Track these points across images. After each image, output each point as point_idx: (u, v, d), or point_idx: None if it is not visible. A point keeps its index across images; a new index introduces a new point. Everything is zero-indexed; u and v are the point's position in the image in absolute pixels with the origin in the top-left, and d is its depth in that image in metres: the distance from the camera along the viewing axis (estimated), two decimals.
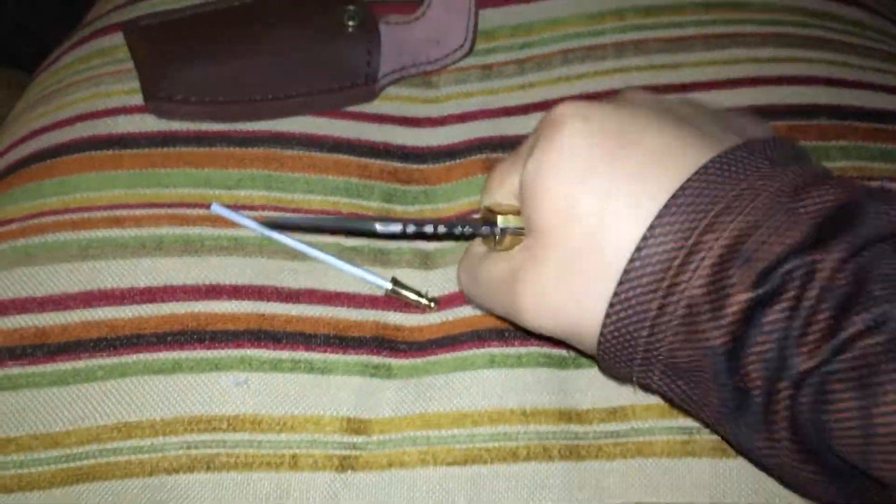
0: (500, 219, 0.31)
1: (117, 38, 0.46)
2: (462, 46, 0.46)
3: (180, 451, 0.34)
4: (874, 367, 0.22)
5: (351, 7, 0.44)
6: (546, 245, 0.29)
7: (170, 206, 0.39)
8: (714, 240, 0.25)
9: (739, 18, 0.45)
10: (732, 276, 0.24)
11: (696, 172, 0.26)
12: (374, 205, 0.41)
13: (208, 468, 0.34)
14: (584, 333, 0.29)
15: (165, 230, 0.39)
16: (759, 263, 0.24)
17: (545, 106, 0.43)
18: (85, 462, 0.34)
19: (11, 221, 0.39)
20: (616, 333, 0.27)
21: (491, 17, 0.47)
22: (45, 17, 0.98)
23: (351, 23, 0.43)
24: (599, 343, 0.28)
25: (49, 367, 0.35)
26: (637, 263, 0.26)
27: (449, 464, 0.34)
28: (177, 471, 0.34)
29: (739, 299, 0.24)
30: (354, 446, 0.35)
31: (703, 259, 0.25)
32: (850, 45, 0.44)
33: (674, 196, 0.26)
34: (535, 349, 0.36)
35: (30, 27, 0.99)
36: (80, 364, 0.36)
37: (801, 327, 0.23)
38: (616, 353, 0.28)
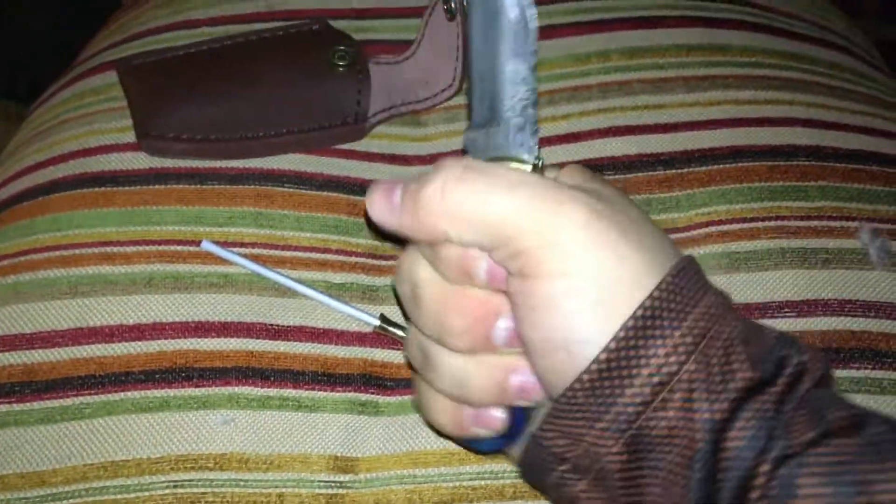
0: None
1: (111, 77, 0.47)
2: (451, 86, 0.47)
3: (167, 491, 0.34)
4: (849, 465, 0.23)
5: (341, 47, 0.44)
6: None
7: (160, 242, 0.40)
8: (724, 326, 0.26)
9: (720, 61, 0.46)
10: (738, 354, 0.25)
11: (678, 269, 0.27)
12: (363, 242, 0.41)
13: None
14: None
15: (156, 267, 0.39)
16: (756, 348, 0.26)
17: None
18: (71, 501, 0.34)
19: (3, 258, 0.40)
20: (616, 357, 0.25)
21: None
22: (40, 49, 0.99)
23: (341, 63, 0.44)
24: (596, 360, 0.25)
25: (37, 405, 0.35)
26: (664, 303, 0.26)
27: (435, 503, 0.34)
28: None
29: (745, 376, 0.25)
30: (341, 485, 0.35)
31: (719, 334, 0.26)
32: (828, 88, 0.46)
33: (682, 269, 0.27)
34: None
35: (26, 60, 0.99)
36: (68, 402, 0.35)
37: (792, 413, 0.24)
38: (597, 388, 0.25)
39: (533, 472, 0.30)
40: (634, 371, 0.25)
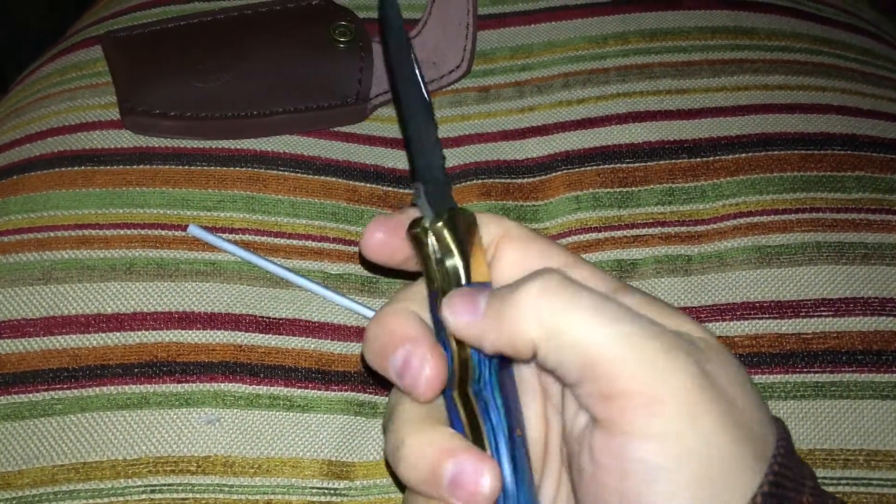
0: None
1: (96, 52, 0.44)
2: (459, 67, 0.44)
3: (143, 496, 0.31)
4: None
5: (343, 23, 0.42)
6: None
7: (143, 226, 0.37)
8: None
9: (746, 44, 0.44)
10: None
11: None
12: (363, 230, 0.38)
13: None
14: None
15: (137, 252, 0.36)
16: None
17: (544, 130, 0.41)
18: None
19: None
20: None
21: (489, 39, 0.45)
22: (29, 38, 0.96)
23: (342, 39, 0.41)
24: None
25: (3, 400, 0.33)
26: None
27: None
28: None
29: None
30: (336, 492, 0.32)
31: None
32: (862, 74, 0.43)
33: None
34: None
35: (13, 49, 0.97)
36: (38, 397, 0.33)
37: None
38: None
39: None
40: None
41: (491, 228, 0.27)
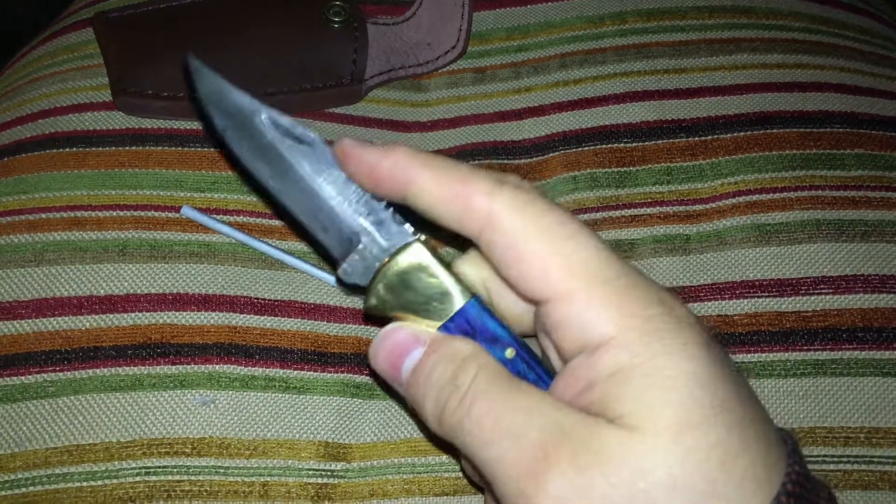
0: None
1: (87, 34, 0.43)
2: (454, 48, 0.43)
3: (138, 478, 0.31)
4: None
5: (337, 3, 0.41)
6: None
7: (136, 208, 0.36)
8: None
9: (744, 23, 0.43)
10: None
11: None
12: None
13: (169, 497, 0.30)
14: None
15: (130, 234, 0.36)
16: None
17: (541, 111, 0.41)
18: (31, 489, 0.31)
19: None
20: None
21: (485, 20, 0.45)
22: (21, 37, 0.95)
23: (337, 19, 0.41)
24: None
25: None
26: None
27: (437, 494, 0.31)
28: (133, 500, 0.30)
29: None
30: (332, 474, 0.32)
31: None
32: (861, 53, 0.43)
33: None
34: None
35: (7, 48, 0.96)
36: (30, 379, 0.32)
37: None
38: None
39: None
40: None
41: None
